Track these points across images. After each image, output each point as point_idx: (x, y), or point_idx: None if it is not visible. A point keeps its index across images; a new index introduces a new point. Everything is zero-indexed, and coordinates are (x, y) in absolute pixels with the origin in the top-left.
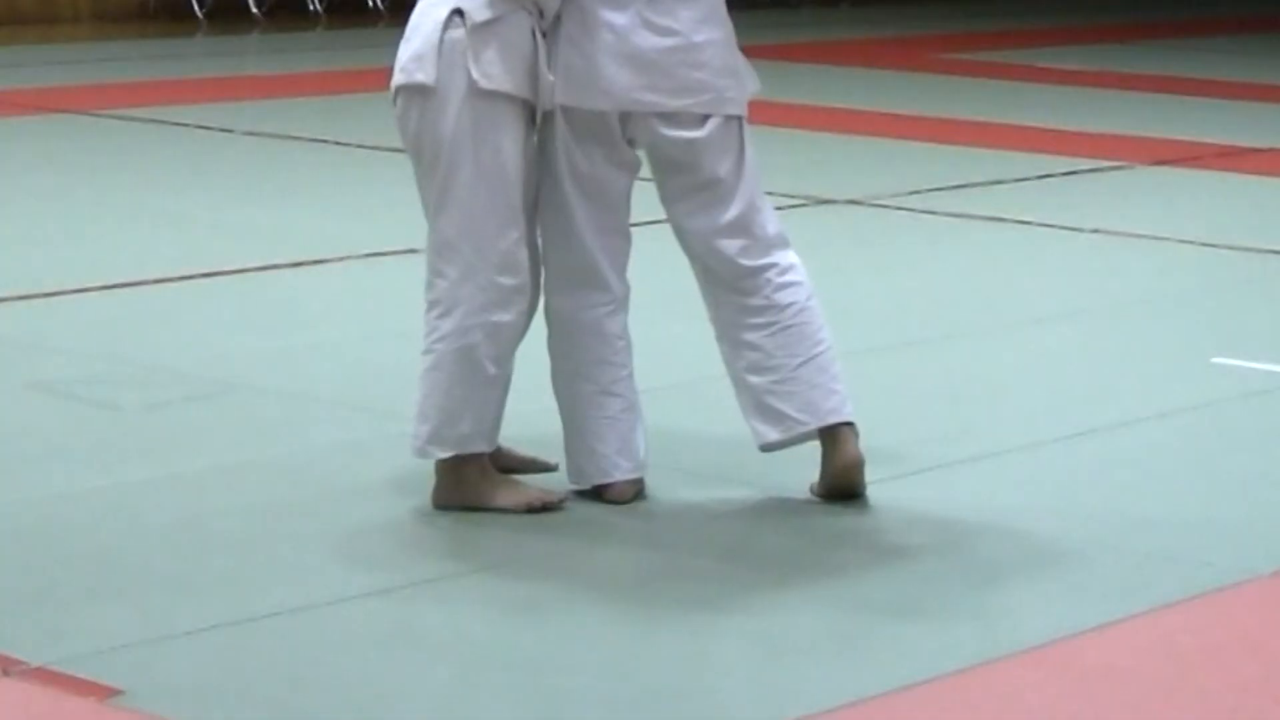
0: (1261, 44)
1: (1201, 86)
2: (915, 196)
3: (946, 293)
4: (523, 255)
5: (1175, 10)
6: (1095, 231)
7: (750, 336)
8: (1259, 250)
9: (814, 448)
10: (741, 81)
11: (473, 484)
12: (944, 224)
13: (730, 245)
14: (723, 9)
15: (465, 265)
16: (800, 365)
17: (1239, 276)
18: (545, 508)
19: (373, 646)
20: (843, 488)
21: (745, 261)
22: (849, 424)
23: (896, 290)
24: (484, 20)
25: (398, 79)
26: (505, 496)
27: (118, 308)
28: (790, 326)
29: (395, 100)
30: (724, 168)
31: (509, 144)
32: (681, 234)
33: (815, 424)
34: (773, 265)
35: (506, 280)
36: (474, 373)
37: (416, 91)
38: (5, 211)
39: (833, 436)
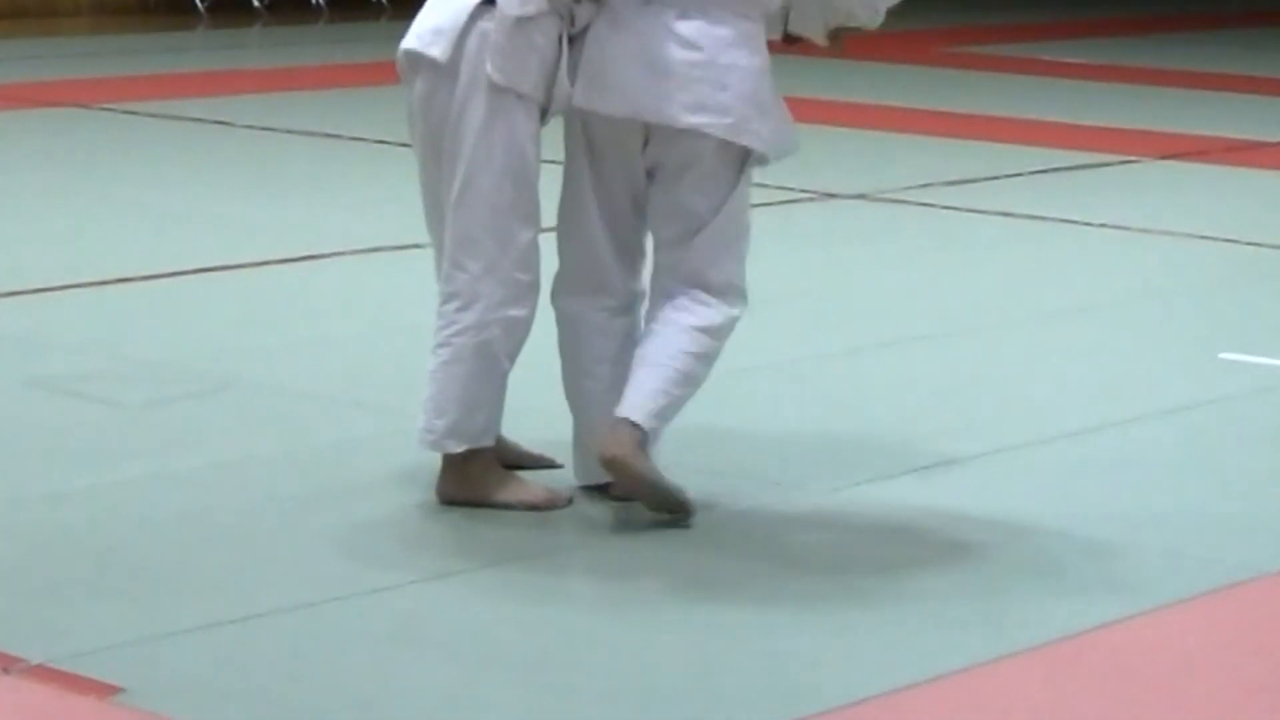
0: (1271, 38)
1: (1211, 80)
2: (922, 191)
3: (953, 288)
4: (537, 252)
5: (1184, 4)
6: (1103, 226)
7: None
8: (1268, 245)
9: (816, 447)
10: (768, 120)
11: (479, 479)
12: (951, 219)
13: (673, 271)
14: (760, 40)
15: (488, 260)
16: (641, 363)
17: (1248, 271)
18: (550, 506)
19: (375, 644)
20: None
21: (670, 284)
22: (631, 422)
23: (903, 285)
24: (515, 16)
25: (409, 43)
26: (510, 493)
27: (118, 303)
28: (655, 333)
29: (414, 78)
30: (705, 205)
31: (528, 142)
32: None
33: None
34: (685, 297)
35: (524, 276)
36: (491, 367)
37: (435, 72)
38: (5, 206)
39: (611, 424)
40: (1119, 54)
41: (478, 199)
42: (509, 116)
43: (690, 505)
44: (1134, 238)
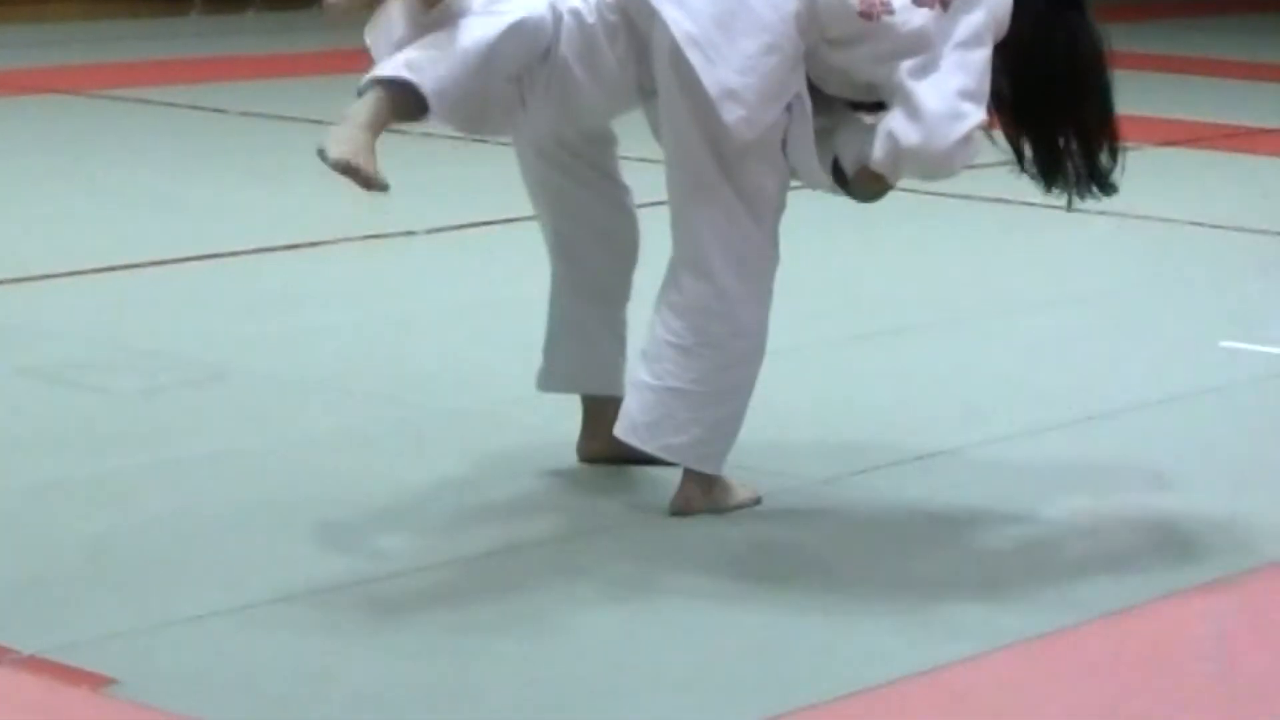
0: (1269, 24)
1: (1210, 67)
2: None
3: (950, 276)
4: None
5: None
6: (1101, 213)
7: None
8: (1268, 232)
9: (813, 436)
10: (741, 94)
11: None
12: (947, 206)
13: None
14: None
15: None
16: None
17: (1248, 259)
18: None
19: (371, 635)
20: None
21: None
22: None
23: (899, 273)
24: None
25: None
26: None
27: (111, 292)
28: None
29: None
30: (666, 127)
31: None
32: None
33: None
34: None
35: None
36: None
37: None
38: None
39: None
40: (1118, 40)
41: None
42: None
43: (753, 499)
44: (1132, 225)
